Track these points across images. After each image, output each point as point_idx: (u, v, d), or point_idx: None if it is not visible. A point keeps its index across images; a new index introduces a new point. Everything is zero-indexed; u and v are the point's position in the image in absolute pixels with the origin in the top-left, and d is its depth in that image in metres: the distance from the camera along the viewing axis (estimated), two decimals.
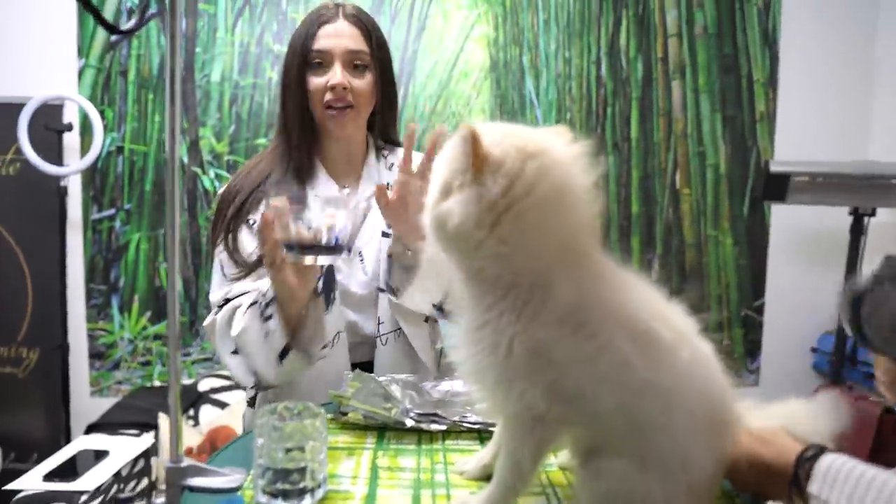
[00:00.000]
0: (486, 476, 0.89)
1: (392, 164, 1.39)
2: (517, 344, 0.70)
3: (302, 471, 0.80)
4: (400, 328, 1.32)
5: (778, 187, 2.35)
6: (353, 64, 1.27)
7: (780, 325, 2.90)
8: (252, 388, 1.24)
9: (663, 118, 2.85)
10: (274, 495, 0.80)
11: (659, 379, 0.70)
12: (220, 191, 1.34)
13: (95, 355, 2.81)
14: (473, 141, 0.66)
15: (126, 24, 2.76)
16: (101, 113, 2.65)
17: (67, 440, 2.57)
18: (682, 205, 2.86)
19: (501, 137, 0.69)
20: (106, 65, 2.75)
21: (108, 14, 2.73)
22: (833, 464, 0.71)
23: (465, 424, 1.04)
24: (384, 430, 1.04)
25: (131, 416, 2.28)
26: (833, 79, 2.86)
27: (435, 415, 1.06)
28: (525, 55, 2.85)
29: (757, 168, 2.84)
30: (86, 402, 2.77)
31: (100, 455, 1.94)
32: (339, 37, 1.26)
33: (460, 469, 0.91)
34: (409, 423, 1.03)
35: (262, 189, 1.29)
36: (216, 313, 1.22)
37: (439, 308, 1.28)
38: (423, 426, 1.03)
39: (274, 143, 1.35)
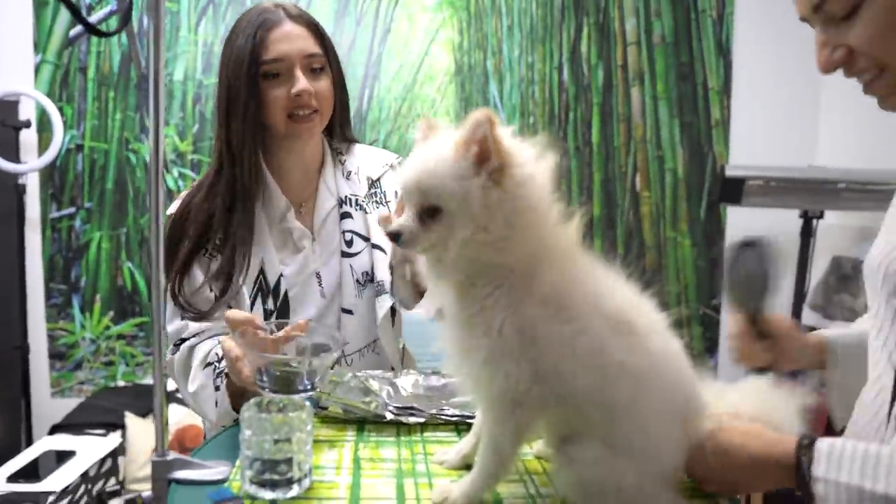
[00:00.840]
0: (465, 466, 0.93)
1: (350, 172, 1.35)
2: (507, 325, 0.74)
3: (289, 461, 0.82)
4: (367, 345, 1.32)
5: (733, 191, 2.44)
6: (311, 68, 1.21)
7: None
8: None
9: (623, 123, 2.93)
10: (262, 485, 0.82)
11: (632, 363, 0.75)
12: (170, 211, 1.26)
13: (56, 356, 2.76)
14: (494, 128, 0.70)
15: (89, 18, 2.72)
16: (60, 110, 2.60)
17: (29, 442, 2.52)
18: (642, 207, 2.95)
19: (505, 133, 0.74)
20: (64, 61, 2.70)
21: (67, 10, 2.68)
22: (834, 444, 0.71)
23: (442, 417, 1.08)
24: (363, 423, 1.07)
25: (96, 416, 2.25)
26: (783, 88, 2.99)
27: (412, 408, 1.09)
28: (489, 60, 2.90)
29: (713, 172, 2.95)
30: (46, 403, 2.71)
31: (66, 455, 1.91)
32: (292, 40, 1.19)
33: (440, 459, 0.95)
34: (389, 416, 1.06)
35: (211, 228, 1.23)
36: (173, 353, 1.23)
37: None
38: (402, 419, 1.06)
39: (215, 167, 1.25)
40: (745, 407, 0.85)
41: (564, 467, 0.80)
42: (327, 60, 1.24)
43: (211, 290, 1.23)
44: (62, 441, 2.04)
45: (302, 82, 1.18)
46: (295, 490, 0.83)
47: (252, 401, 0.87)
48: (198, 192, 1.26)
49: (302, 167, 1.31)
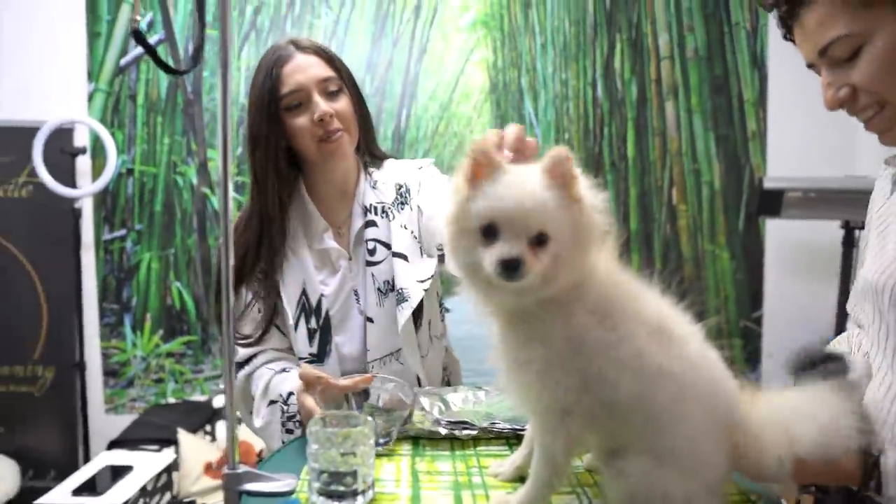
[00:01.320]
0: (519, 478, 0.96)
1: (376, 182, 1.37)
2: (559, 334, 0.79)
3: (354, 473, 0.87)
4: (389, 354, 1.34)
5: (772, 203, 2.44)
6: (328, 91, 1.26)
7: (779, 335, 2.99)
8: None
9: (658, 137, 2.95)
10: (329, 496, 0.86)
11: (671, 366, 0.79)
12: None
13: (109, 373, 2.87)
14: (571, 163, 0.76)
15: (141, 42, 2.84)
16: (111, 135, 2.70)
17: (86, 457, 2.61)
18: (679, 221, 2.95)
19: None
20: (115, 89, 2.83)
21: (118, 40, 2.81)
22: None
23: (494, 430, 1.11)
24: (418, 438, 1.11)
25: (149, 432, 2.33)
26: (820, 97, 2.95)
27: (465, 422, 1.13)
28: (523, 77, 2.95)
29: (751, 184, 2.94)
30: (101, 419, 2.82)
31: (124, 470, 1.99)
32: (304, 70, 1.24)
33: (495, 472, 0.98)
34: (443, 431, 1.09)
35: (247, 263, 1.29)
36: None
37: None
38: (456, 433, 1.10)
39: (249, 201, 1.33)
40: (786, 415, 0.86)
41: (613, 480, 0.83)
42: (343, 82, 1.29)
43: (259, 311, 1.29)
44: (120, 457, 2.12)
45: (321, 106, 1.24)
46: (360, 501, 0.87)
47: (317, 416, 0.91)
48: (238, 224, 1.33)
49: (338, 189, 1.36)
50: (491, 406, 1.23)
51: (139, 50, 2.83)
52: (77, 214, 2.65)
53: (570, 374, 0.79)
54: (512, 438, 1.12)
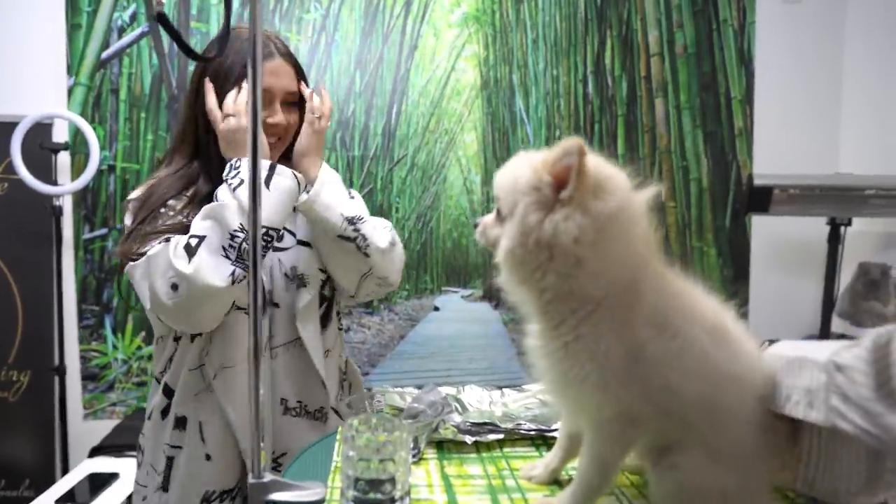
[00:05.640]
0: (553, 480, 0.93)
1: None
2: (613, 349, 0.75)
3: (392, 481, 0.83)
4: (292, 340, 1.32)
5: (761, 200, 2.46)
6: (288, 103, 1.31)
7: (765, 331, 3.01)
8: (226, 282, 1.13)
9: (648, 134, 2.95)
10: None
11: (734, 367, 0.77)
12: (135, 195, 1.33)
13: (88, 377, 2.76)
14: (582, 158, 0.71)
15: (122, 39, 2.76)
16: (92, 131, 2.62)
17: (65, 465, 2.51)
18: (668, 217, 2.96)
19: (594, 159, 0.75)
20: (96, 83, 2.73)
21: (99, 32, 2.72)
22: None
23: (520, 432, 1.09)
24: (442, 441, 1.08)
25: (133, 438, 2.24)
26: (804, 95, 3.01)
27: (489, 424, 1.10)
28: (515, 74, 2.93)
29: (737, 181, 2.96)
30: (79, 426, 2.71)
31: (110, 478, 1.91)
32: (279, 76, 1.27)
33: (528, 474, 0.95)
34: (469, 440, 1.06)
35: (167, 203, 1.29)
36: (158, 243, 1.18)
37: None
38: (480, 438, 1.07)
39: (181, 163, 1.33)
40: None
41: (664, 474, 0.80)
42: (301, 97, 1.33)
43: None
44: (104, 464, 2.04)
45: (279, 116, 1.29)
46: None
47: (355, 421, 0.87)
48: (162, 181, 1.33)
49: None
50: (508, 406, 1.21)
51: (121, 43, 2.74)
52: (57, 212, 2.56)
53: (630, 388, 0.76)
54: (537, 439, 1.09)
